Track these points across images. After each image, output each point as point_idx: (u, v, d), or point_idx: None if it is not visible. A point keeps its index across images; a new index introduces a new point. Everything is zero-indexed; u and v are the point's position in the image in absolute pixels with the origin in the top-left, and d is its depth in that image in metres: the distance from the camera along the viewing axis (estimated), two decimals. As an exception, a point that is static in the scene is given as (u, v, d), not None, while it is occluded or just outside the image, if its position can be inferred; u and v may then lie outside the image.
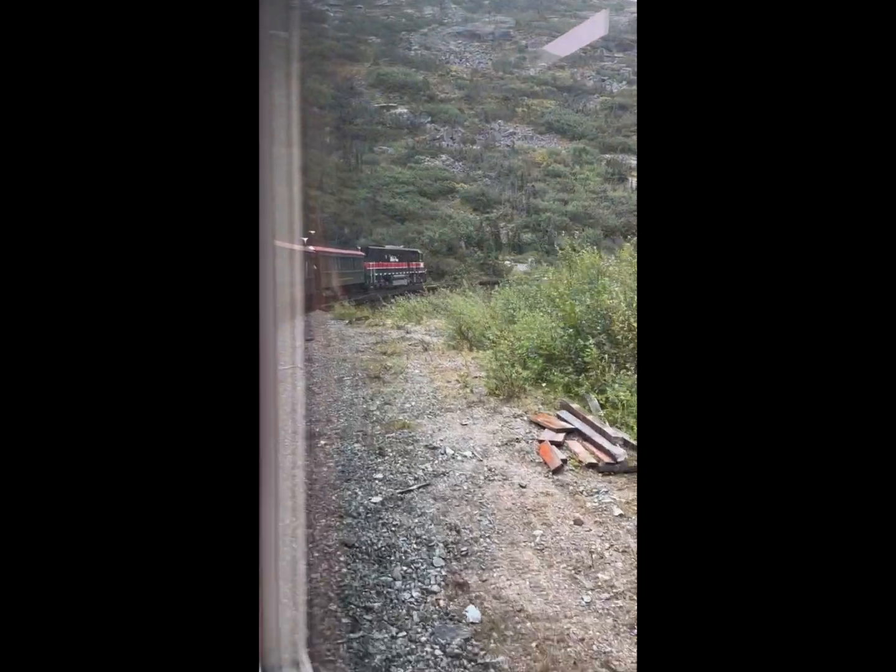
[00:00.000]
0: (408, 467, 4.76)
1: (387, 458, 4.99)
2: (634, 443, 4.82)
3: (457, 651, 2.70)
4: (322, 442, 5.46)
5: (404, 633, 2.81)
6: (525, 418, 5.96)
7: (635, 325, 6.60)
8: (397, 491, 4.31)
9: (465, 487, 4.35)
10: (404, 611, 2.98)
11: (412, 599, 3.07)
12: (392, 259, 38.38)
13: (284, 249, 1.65)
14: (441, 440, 5.37)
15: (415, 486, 4.37)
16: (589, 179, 61.02)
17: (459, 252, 53.28)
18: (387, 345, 11.20)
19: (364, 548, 3.54)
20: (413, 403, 6.73)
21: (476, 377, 7.90)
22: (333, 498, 4.22)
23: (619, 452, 4.68)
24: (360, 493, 4.31)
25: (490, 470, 4.66)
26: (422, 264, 44.02)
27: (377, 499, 4.18)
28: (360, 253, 34.20)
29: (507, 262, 54.38)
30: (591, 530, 3.74)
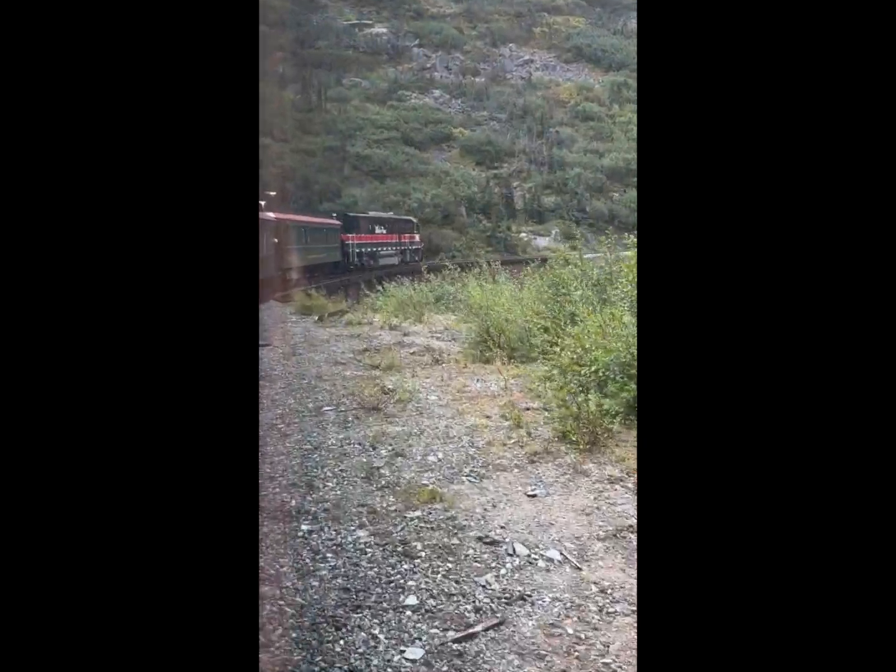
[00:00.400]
0: (457, 581, 3.69)
1: (417, 561, 3.91)
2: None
3: None
4: (304, 527, 4.38)
5: None
6: (630, 484, 4.90)
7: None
8: (449, 634, 3.23)
9: (570, 630, 3.27)
10: None
11: None
12: (378, 230, 37.10)
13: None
14: (502, 527, 4.30)
15: (479, 626, 3.28)
16: (631, 123, 59.91)
17: (458, 221, 52.19)
18: (379, 354, 10.13)
19: None
20: (440, 455, 5.65)
21: (528, 408, 6.84)
22: (338, 649, 3.14)
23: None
24: (381, 636, 3.23)
25: (603, 591, 3.58)
26: (417, 237, 43.00)
27: (416, 652, 3.10)
28: (334, 222, 33.45)
29: (522, 235, 53.27)
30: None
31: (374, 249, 35.93)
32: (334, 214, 35.23)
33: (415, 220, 43.34)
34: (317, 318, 15.09)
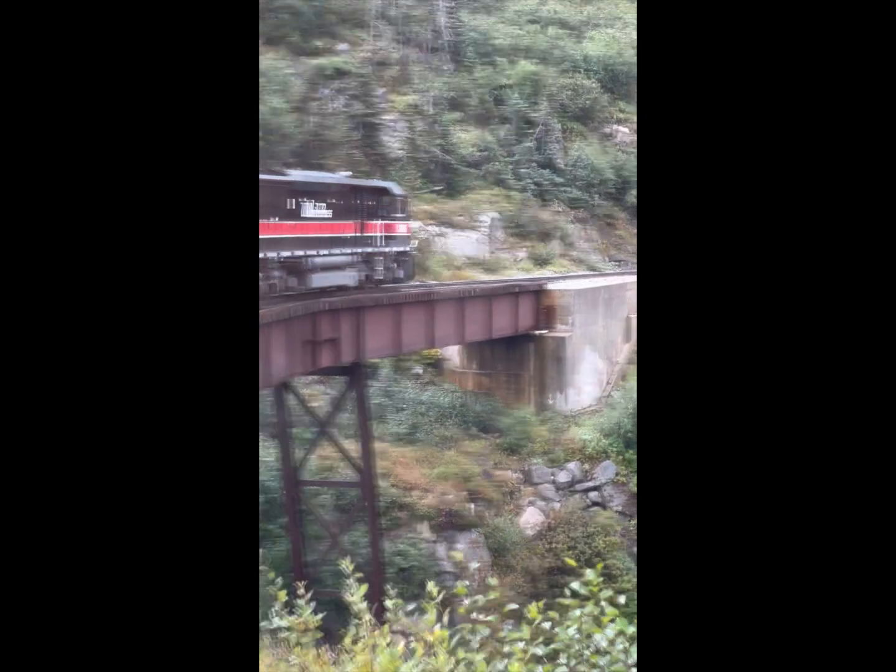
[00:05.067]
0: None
1: None
2: None
3: None
4: None
5: None
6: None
7: None
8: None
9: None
10: None
11: None
12: (311, 209, 19.51)
13: None
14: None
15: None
16: None
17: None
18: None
19: None
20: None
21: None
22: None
23: None
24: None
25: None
26: (405, 227, 23.44)
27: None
28: None
29: (416, 227, 27.72)
30: None
31: (301, 255, 18.85)
32: None
33: (398, 191, 24.00)
34: None
